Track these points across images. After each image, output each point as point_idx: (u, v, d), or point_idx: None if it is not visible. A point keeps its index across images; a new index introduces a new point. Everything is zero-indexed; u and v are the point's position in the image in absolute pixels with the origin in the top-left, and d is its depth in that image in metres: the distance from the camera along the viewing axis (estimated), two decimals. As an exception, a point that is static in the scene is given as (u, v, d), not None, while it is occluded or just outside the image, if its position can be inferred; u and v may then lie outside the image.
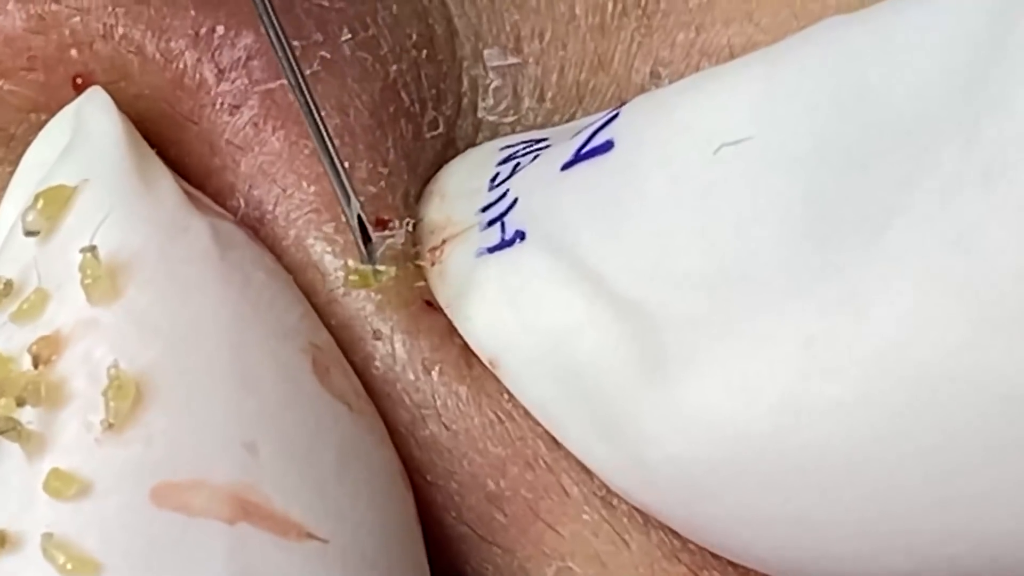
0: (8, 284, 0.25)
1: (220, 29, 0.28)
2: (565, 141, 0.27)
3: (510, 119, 0.30)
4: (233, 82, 0.28)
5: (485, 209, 0.28)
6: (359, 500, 0.25)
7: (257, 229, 0.28)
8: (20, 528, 0.23)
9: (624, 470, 0.25)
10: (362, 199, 0.27)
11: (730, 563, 0.27)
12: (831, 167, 0.22)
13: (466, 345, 0.27)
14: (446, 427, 0.27)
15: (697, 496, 0.24)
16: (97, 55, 0.28)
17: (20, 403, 0.23)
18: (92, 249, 0.24)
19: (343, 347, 0.28)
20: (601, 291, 0.25)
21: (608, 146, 0.25)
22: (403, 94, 0.29)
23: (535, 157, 0.28)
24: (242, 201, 0.28)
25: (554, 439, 0.27)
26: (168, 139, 0.28)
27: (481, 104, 0.30)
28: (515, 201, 0.27)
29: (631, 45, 0.29)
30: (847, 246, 0.21)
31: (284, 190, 0.28)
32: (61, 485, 0.23)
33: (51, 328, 0.24)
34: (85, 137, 0.26)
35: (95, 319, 0.24)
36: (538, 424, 0.27)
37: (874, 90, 0.22)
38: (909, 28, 0.21)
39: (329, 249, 0.28)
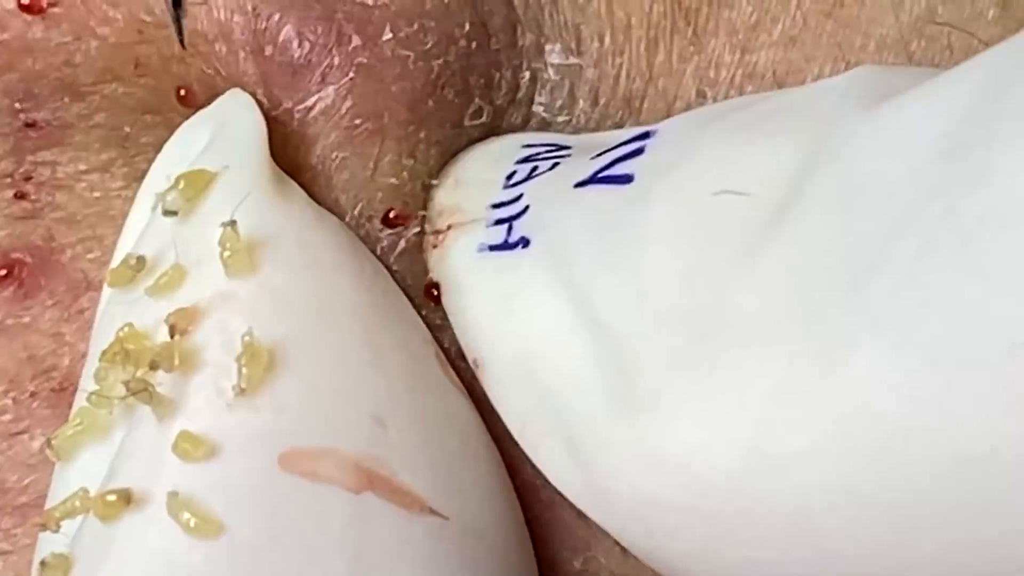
0: (140, 259, 0.25)
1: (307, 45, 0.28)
2: (586, 157, 0.27)
3: (562, 118, 0.30)
4: (325, 90, 0.28)
5: (496, 206, 0.28)
6: (479, 482, 0.25)
7: None
8: (146, 487, 0.23)
9: (586, 493, 0.25)
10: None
11: None
12: (814, 220, 0.22)
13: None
14: None
15: (653, 530, 0.23)
16: (195, 71, 0.28)
17: (153, 367, 0.23)
18: (232, 223, 0.24)
19: None
20: (586, 314, 0.25)
21: (627, 179, 0.25)
22: (446, 88, 0.28)
23: (554, 164, 0.28)
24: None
25: None
26: None
27: (538, 99, 0.30)
28: (527, 208, 0.27)
29: (680, 62, 0.29)
30: (824, 298, 0.21)
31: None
32: (190, 447, 0.23)
33: (188, 301, 0.24)
34: (227, 130, 0.26)
35: (232, 292, 0.24)
36: None
37: (859, 146, 0.22)
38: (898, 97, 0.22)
39: None
